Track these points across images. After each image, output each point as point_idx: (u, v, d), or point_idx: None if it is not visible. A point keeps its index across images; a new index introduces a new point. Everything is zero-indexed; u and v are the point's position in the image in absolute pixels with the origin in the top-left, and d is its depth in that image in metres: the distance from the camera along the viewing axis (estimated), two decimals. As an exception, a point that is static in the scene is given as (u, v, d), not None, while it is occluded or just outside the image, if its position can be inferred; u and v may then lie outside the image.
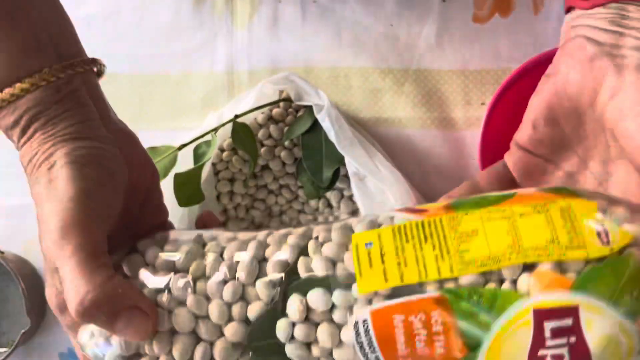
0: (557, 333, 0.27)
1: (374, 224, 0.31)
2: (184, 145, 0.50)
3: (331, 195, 0.54)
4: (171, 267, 0.32)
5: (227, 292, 0.30)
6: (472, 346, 0.28)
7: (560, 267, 0.27)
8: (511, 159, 0.40)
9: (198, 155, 0.51)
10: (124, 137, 0.35)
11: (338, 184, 0.53)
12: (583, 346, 0.27)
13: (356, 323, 0.28)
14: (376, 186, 0.49)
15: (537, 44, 0.54)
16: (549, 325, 0.27)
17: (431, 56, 0.55)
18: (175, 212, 0.49)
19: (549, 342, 0.27)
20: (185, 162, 0.51)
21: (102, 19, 0.58)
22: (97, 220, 0.31)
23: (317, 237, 0.31)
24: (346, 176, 0.52)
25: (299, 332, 0.29)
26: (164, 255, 0.32)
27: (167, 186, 0.47)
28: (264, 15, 0.56)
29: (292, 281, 0.30)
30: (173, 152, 0.50)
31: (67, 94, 0.32)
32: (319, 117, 0.49)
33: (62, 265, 0.29)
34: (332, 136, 0.49)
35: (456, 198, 0.33)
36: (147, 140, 0.52)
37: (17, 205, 0.57)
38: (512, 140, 0.40)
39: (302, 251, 0.31)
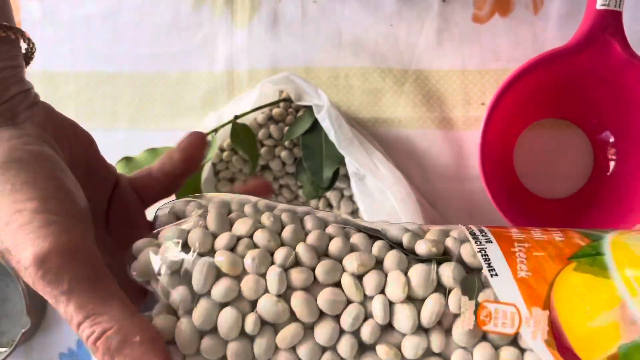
0: None
1: None
2: (184, 145, 0.50)
3: (331, 195, 0.54)
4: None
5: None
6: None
7: None
8: None
9: (198, 155, 0.51)
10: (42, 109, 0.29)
11: (338, 184, 0.53)
12: None
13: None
14: (376, 186, 0.49)
15: (536, 44, 0.54)
16: None
17: (431, 56, 0.55)
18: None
19: None
20: (185, 162, 0.51)
21: (102, 19, 0.58)
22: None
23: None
24: (346, 176, 0.52)
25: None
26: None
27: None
28: (264, 15, 0.56)
29: None
30: (173, 152, 0.50)
31: None
32: (319, 117, 0.49)
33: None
34: (332, 136, 0.49)
35: None
36: (147, 140, 0.53)
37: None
38: None
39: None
